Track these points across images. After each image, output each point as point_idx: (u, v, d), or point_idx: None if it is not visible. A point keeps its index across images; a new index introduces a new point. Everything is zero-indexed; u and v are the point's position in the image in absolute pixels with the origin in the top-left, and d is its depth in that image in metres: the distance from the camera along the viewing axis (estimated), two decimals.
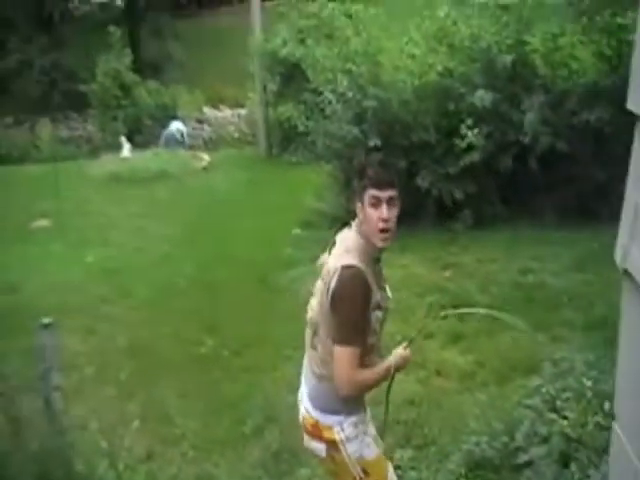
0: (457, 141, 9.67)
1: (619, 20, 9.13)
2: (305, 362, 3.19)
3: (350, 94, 9.95)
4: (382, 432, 3.57)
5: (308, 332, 3.10)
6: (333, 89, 10.25)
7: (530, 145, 9.42)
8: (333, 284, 2.84)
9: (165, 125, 19.52)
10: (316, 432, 3.07)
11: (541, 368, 4.87)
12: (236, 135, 22.13)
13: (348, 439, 3.02)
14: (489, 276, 8.05)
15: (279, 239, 9.94)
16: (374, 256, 2.98)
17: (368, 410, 3.18)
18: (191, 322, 7.24)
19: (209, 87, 24.32)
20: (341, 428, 3.02)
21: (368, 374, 2.93)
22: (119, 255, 9.89)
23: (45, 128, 21.14)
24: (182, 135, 19.20)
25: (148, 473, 4.44)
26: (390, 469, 3.21)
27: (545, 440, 4.01)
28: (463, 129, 9.58)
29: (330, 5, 16.10)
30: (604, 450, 3.82)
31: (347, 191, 9.43)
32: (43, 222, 11.56)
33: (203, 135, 22.15)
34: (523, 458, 3.99)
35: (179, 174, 15.01)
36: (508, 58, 9.64)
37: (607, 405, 4.02)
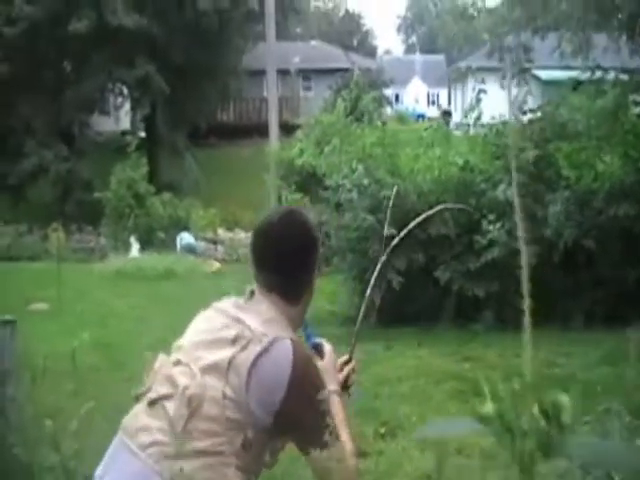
0: (477, 237, 9.30)
1: None
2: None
3: (366, 182, 9.65)
4: None
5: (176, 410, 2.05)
6: (346, 176, 9.97)
7: (554, 240, 9.02)
8: (283, 365, 2.13)
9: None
10: None
11: None
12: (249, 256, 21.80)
13: None
14: (512, 368, 7.44)
15: None
16: None
17: None
18: None
19: (225, 210, 24.30)
20: None
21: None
22: (116, 335, 9.35)
23: (57, 239, 20.78)
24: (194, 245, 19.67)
25: None
26: None
27: None
28: (485, 225, 9.23)
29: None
30: None
31: (361, 288, 8.92)
32: (41, 305, 11.08)
33: (216, 255, 21.80)
34: None
35: (187, 275, 14.58)
36: (531, 153, 9.37)
37: None
